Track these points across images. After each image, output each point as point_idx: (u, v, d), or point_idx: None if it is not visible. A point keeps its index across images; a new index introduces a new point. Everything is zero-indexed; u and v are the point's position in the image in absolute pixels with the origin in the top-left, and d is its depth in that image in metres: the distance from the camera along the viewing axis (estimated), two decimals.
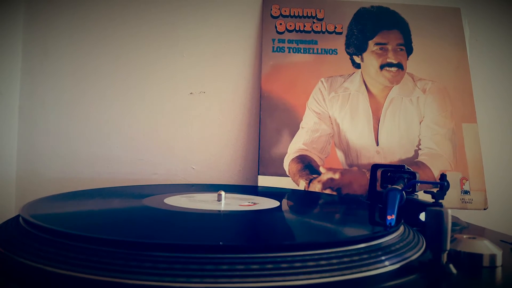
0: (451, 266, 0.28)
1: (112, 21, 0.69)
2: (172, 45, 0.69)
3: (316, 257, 0.26)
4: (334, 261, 0.26)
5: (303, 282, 0.24)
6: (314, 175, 0.63)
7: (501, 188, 0.68)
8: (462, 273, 0.29)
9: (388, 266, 0.28)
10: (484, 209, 0.62)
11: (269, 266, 0.25)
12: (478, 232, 0.48)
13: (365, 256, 0.28)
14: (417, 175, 0.48)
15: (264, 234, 0.34)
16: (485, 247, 0.31)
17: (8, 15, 0.66)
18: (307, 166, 0.64)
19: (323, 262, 0.25)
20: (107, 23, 0.69)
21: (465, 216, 0.57)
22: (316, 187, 0.62)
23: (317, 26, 0.69)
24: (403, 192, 0.38)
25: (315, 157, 0.64)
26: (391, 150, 0.64)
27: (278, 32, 0.68)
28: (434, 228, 0.28)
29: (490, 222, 0.57)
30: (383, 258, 0.29)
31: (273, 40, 0.68)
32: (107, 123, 0.68)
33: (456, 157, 0.64)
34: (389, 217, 0.34)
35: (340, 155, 0.65)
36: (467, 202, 0.62)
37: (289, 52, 0.68)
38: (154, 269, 0.24)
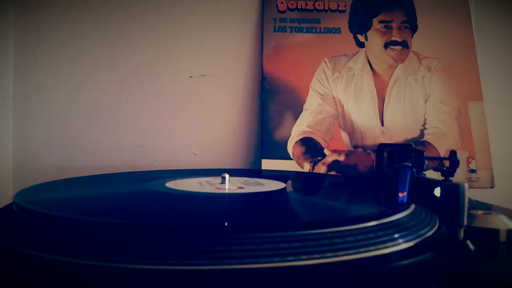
0: (468, 242, 0.28)
1: (108, 3, 0.67)
2: (169, 27, 0.67)
3: (338, 234, 0.25)
4: (350, 238, 0.25)
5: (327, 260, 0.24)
6: (319, 157, 0.62)
7: (508, 166, 0.67)
8: (478, 250, 0.28)
9: (402, 243, 0.28)
10: (491, 187, 0.61)
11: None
12: (487, 209, 0.48)
13: (380, 233, 0.27)
14: (424, 153, 0.47)
15: (276, 214, 0.33)
16: (502, 222, 0.30)
17: None
18: (311, 148, 0.62)
19: (348, 239, 0.25)
20: (102, 5, 0.67)
21: (471, 195, 0.56)
22: (321, 169, 0.61)
23: (319, 4, 0.67)
24: (414, 169, 0.38)
25: (320, 139, 0.63)
26: (397, 130, 0.63)
27: (279, 11, 0.67)
28: (451, 203, 0.27)
29: (497, 201, 0.56)
30: (397, 235, 0.28)
31: (275, 19, 0.66)
32: (105, 109, 0.66)
33: (462, 136, 0.63)
34: (400, 194, 0.33)
35: (344, 136, 0.63)
36: (474, 181, 0.61)
37: (291, 31, 0.66)
38: (164, 252, 0.23)
